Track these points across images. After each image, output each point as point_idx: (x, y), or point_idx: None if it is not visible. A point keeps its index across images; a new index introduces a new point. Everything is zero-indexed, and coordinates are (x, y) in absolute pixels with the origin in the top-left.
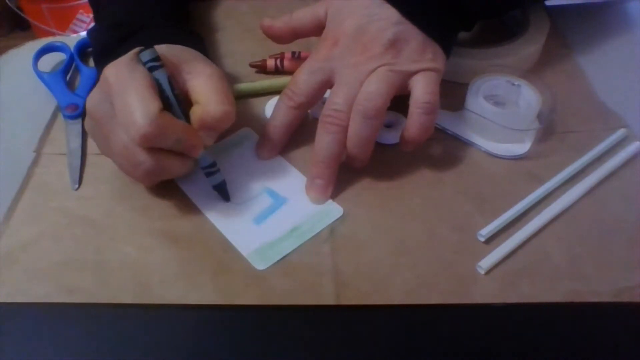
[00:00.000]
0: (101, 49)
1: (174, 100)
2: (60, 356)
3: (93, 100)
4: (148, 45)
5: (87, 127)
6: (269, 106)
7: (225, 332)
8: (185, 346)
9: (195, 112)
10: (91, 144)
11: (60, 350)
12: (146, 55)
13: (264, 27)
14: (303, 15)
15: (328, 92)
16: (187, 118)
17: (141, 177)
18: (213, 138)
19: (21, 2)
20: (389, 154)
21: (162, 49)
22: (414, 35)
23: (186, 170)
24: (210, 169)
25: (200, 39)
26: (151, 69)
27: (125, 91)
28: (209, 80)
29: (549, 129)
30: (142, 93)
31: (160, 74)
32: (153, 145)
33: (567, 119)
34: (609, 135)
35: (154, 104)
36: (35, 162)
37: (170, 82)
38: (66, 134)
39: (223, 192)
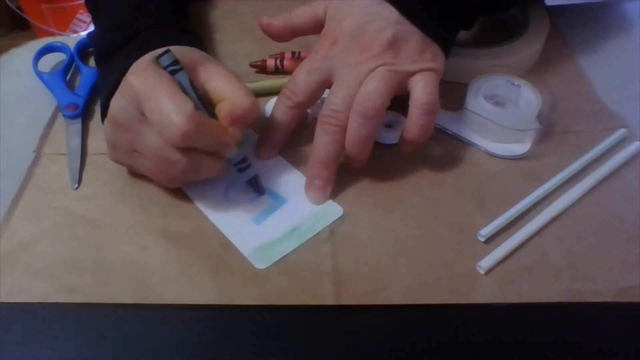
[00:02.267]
0: (103, 51)
1: (198, 102)
2: (60, 356)
3: (118, 107)
4: (149, 47)
5: (108, 135)
6: (269, 106)
7: (225, 332)
8: (185, 346)
9: (223, 108)
10: (91, 144)
11: (60, 350)
12: (165, 59)
13: (263, 25)
14: (302, 14)
15: (327, 91)
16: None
17: (177, 177)
18: (241, 133)
19: (21, 2)
20: (389, 154)
21: (173, 51)
22: (413, 35)
23: (221, 170)
24: (242, 165)
25: (199, 40)
26: (172, 73)
27: (156, 94)
28: (228, 78)
29: (549, 129)
30: (173, 94)
31: (181, 77)
32: (190, 145)
33: (567, 119)
34: (609, 135)
35: (189, 103)
36: (35, 162)
37: (192, 84)
38: (66, 134)
39: (257, 186)
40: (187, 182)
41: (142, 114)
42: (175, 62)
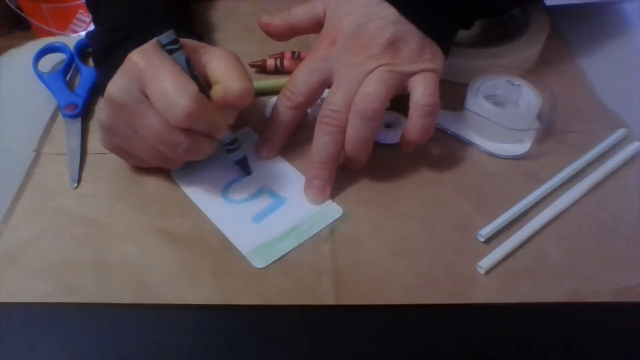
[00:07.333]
0: (102, 50)
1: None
2: (60, 356)
3: (118, 87)
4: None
5: (105, 116)
6: (269, 106)
7: (225, 332)
8: (184, 346)
9: (217, 92)
10: (91, 143)
11: (59, 350)
12: (164, 38)
13: (262, 24)
14: (301, 13)
15: (327, 91)
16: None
17: (176, 158)
18: (234, 116)
19: (21, 2)
20: (389, 154)
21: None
22: (412, 35)
23: (213, 151)
24: (232, 146)
25: (201, 39)
26: (170, 52)
27: (161, 75)
28: (227, 61)
29: (549, 129)
30: (177, 75)
31: (178, 56)
32: (192, 127)
33: (567, 119)
34: (609, 135)
35: (194, 85)
36: (35, 162)
37: (189, 64)
38: (66, 133)
39: (245, 167)
40: (182, 163)
41: (144, 94)
42: (175, 41)
